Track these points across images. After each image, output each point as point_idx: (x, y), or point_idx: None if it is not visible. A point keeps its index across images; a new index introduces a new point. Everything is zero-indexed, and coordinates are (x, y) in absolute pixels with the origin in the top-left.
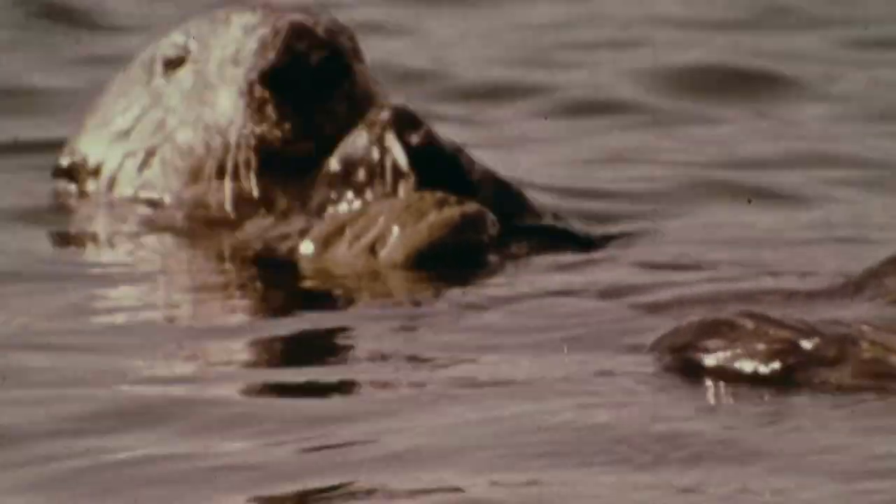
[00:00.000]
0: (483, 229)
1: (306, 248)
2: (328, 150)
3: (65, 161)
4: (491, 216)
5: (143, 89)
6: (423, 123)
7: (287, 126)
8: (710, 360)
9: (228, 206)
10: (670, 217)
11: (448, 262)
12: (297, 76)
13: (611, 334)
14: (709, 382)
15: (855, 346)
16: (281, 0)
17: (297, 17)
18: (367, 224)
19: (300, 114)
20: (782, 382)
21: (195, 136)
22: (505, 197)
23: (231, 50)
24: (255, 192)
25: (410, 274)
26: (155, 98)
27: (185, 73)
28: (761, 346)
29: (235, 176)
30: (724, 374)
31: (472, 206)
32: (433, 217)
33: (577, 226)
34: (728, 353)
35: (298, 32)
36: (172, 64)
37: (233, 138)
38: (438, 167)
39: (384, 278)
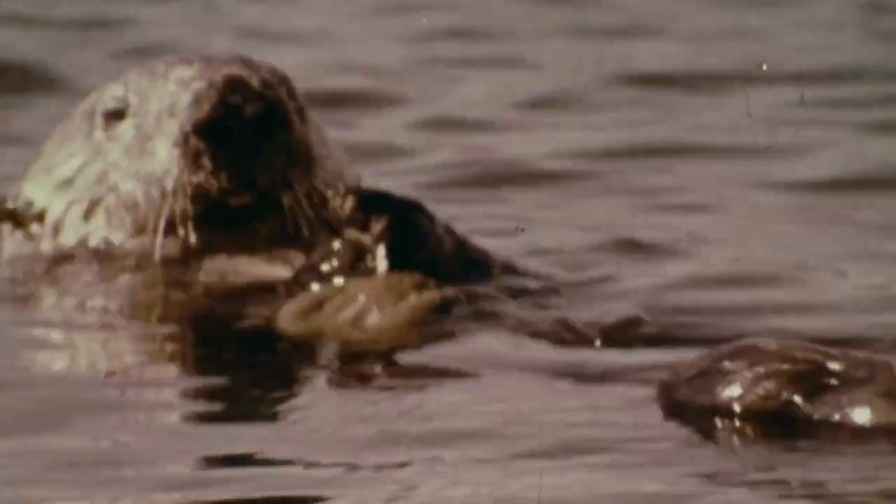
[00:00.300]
0: (461, 312)
1: (284, 321)
2: (266, 201)
3: (10, 204)
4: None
5: (84, 141)
6: (386, 206)
7: (223, 176)
8: (731, 382)
9: (172, 257)
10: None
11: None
12: (232, 128)
13: (616, 371)
14: (730, 404)
15: (885, 367)
16: (220, 53)
17: (233, 69)
18: (345, 302)
19: (236, 164)
20: (807, 404)
21: (137, 187)
22: (475, 272)
23: (168, 102)
24: (196, 243)
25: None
26: (96, 151)
27: (125, 128)
28: (786, 367)
29: (174, 227)
30: (746, 396)
31: (450, 290)
32: (413, 300)
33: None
34: (750, 374)
35: (233, 85)
36: (112, 116)
37: (169, 188)
38: (403, 248)
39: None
